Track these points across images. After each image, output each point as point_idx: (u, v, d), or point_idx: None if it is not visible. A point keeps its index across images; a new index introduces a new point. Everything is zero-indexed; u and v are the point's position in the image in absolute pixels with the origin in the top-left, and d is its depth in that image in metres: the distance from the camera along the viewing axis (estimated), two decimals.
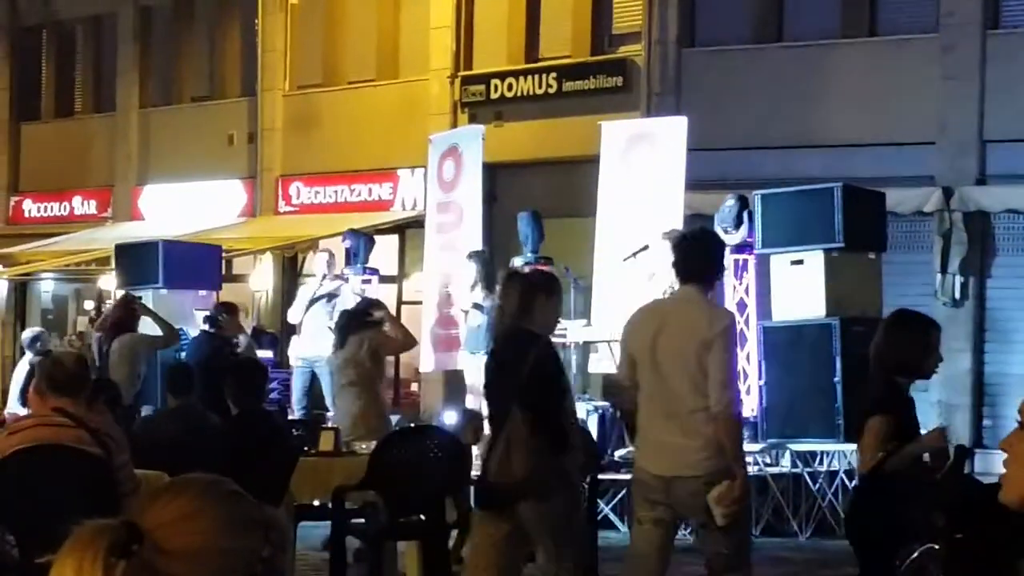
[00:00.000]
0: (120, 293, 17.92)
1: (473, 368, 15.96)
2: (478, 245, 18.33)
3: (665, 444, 7.81)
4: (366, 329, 13.58)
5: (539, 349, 8.03)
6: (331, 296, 17.96)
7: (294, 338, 21.75)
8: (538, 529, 8.07)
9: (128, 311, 15.82)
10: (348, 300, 17.21)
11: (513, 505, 8.05)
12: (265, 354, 19.31)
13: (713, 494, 7.61)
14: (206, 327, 15.87)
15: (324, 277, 18.36)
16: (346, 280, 18.38)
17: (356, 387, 13.38)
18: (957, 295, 19.17)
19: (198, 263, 18.93)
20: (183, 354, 16.32)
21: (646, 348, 7.87)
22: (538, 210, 18.00)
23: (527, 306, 8.07)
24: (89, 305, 28.83)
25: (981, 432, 19.23)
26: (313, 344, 17.47)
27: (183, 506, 2.17)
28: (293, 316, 18.57)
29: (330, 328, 15.72)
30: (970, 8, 19.47)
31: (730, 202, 16.13)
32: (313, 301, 18.02)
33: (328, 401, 16.23)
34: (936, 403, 18.95)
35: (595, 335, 16.69)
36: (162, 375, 14.62)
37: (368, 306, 14.31)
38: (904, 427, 7.59)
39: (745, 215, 15.91)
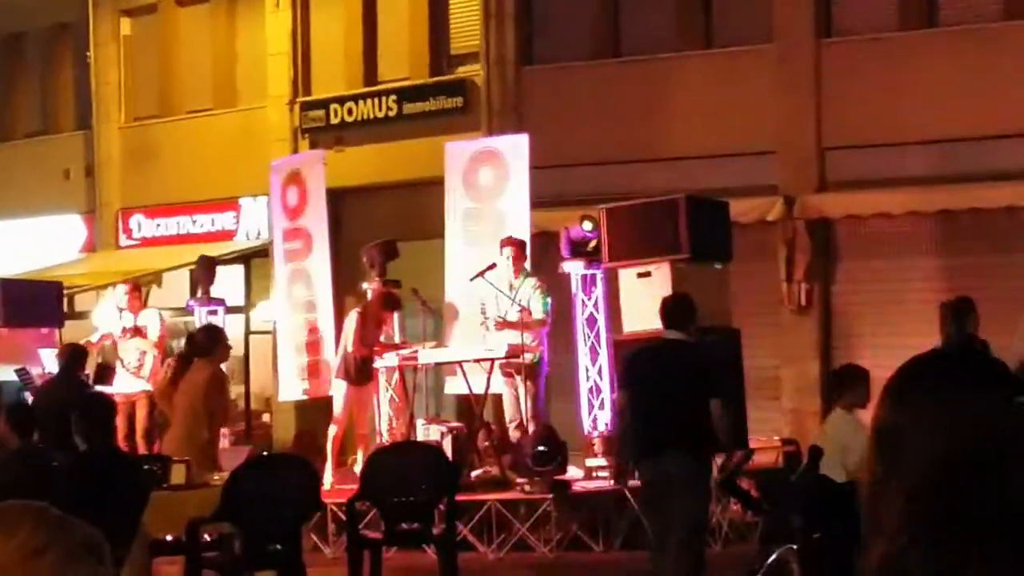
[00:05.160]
0: None
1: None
2: (327, 271, 18.23)
3: None
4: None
5: None
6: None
7: None
8: None
9: None
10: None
11: None
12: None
13: None
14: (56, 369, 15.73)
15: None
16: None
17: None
18: (803, 302, 19.39)
19: (38, 301, 18.57)
20: (26, 394, 16.00)
21: None
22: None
23: None
24: None
25: None
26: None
27: (23, 544, 2.05)
28: None
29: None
30: (802, 17, 19.71)
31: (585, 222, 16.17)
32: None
33: None
34: (789, 410, 19.17)
35: (450, 356, 16.55)
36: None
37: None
38: None
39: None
